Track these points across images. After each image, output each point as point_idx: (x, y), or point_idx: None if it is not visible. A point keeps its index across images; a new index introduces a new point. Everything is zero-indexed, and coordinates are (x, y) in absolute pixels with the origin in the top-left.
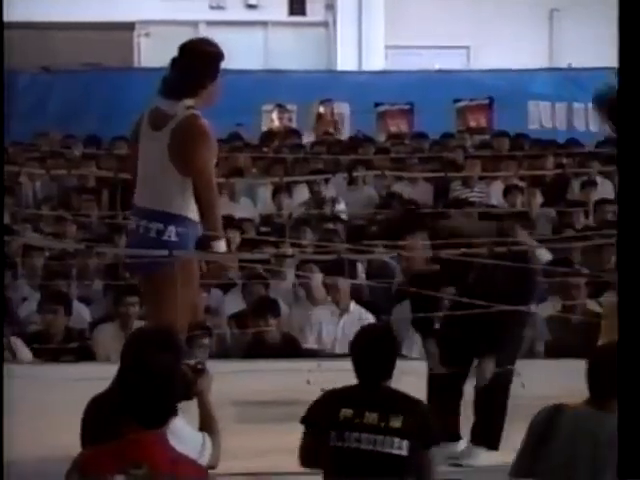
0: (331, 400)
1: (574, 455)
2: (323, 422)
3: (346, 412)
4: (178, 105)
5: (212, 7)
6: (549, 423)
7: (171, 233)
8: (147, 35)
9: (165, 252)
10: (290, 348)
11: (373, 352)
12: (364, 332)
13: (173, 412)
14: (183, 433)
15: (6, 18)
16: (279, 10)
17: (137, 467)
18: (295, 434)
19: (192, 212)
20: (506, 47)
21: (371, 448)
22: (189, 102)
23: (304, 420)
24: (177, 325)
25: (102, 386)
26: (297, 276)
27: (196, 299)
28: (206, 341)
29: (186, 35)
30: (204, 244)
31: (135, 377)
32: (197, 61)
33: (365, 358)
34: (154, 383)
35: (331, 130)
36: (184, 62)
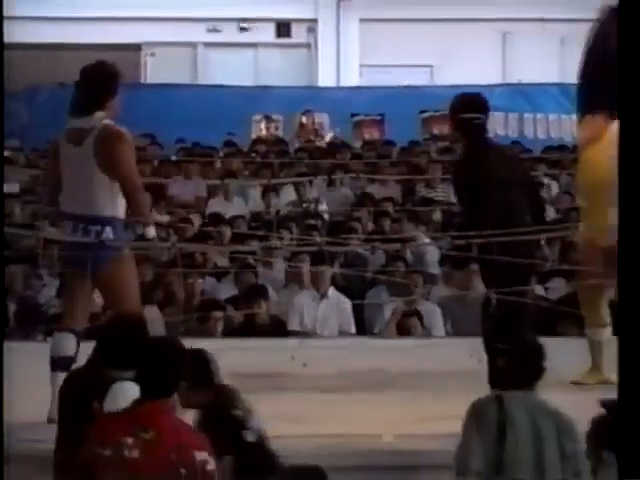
0: None
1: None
2: None
3: None
4: (92, 119)
5: (209, 30)
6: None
7: (109, 233)
8: (152, 55)
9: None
10: (277, 329)
11: None
12: None
13: (175, 387)
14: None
15: (25, 40)
16: (267, 33)
17: (145, 431)
18: (281, 402)
19: (121, 212)
20: (465, 65)
21: None
22: (100, 114)
23: None
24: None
25: None
26: (289, 266)
27: (135, 285)
28: (220, 314)
29: (187, 55)
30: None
31: (141, 355)
32: (99, 80)
33: None
34: (158, 360)
35: (312, 138)
36: (88, 83)
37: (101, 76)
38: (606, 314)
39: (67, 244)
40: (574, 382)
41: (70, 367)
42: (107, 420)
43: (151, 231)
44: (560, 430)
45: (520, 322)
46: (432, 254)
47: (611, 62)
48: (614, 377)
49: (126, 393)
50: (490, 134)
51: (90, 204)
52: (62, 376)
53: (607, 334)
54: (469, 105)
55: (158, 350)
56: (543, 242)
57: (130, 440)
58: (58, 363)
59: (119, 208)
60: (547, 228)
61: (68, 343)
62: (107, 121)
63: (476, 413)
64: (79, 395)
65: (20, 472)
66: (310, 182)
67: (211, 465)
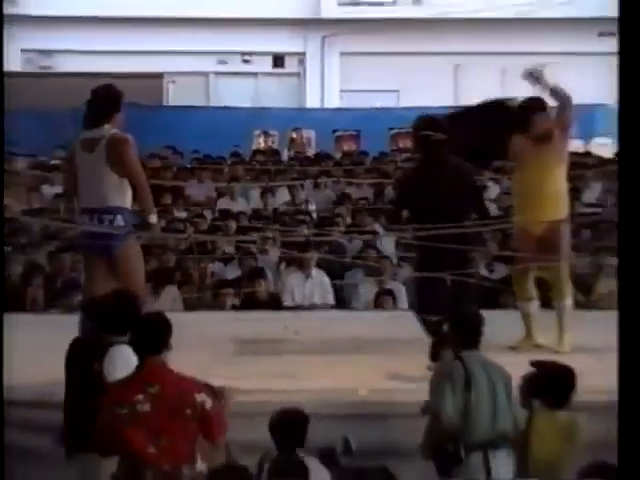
0: None
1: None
2: None
3: None
4: (102, 130)
5: (219, 62)
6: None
7: (120, 221)
8: (173, 82)
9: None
10: (273, 303)
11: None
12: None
13: (167, 347)
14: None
15: (70, 69)
16: (265, 64)
17: (151, 386)
18: (277, 362)
19: (128, 203)
20: (425, 91)
21: None
22: (108, 126)
23: None
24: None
25: None
26: (282, 252)
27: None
28: (227, 291)
29: (201, 82)
30: (142, 219)
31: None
32: (107, 99)
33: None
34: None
35: (301, 150)
36: (99, 101)
37: (108, 96)
38: (532, 290)
39: (85, 233)
40: (511, 347)
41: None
42: (119, 385)
43: (153, 217)
44: (505, 382)
45: (462, 296)
46: (388, 243)
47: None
48: (542, 341)
49: (121, 355)
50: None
51: (102, 198)
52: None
53: (534, 307)
54: (427, 124)
55: (148, 318)
56: (489, 236)
57: (141, 396)
58: None
59: (126, 200)
60: (490, 222)
61: None
62: (114, 130)
63: (446, 371)
64: (82, 357)
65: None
66: (301, 185)
67: (209, 404)
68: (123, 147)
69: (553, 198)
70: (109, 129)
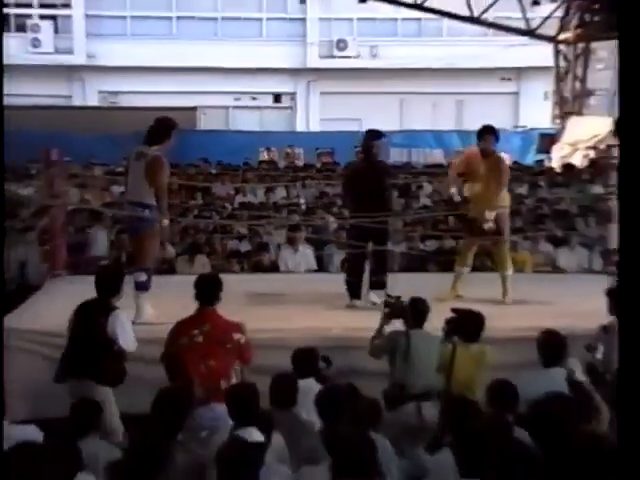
0: None
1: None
2: None
3: None
4: (150, 149)
5: (235, 99)
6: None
7: (147, 213)
8: (204, 114)
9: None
10: (274, 269)
11: None
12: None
13: (218, 299)
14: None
15: (125, 104)
16: (268, 100)
17: (204, 325)
18: (278, 309)
19: (154, 203)
20: (379, 119)
21: None
22: (155, 148)
23: None
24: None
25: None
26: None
27: (157, 247)
28: (241, 260)
29: (223, 113)
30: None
31: None
32: (162, 127)
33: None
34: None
35: (293, 161)
36: (156, 128)
37: (165, 125)
38: (470, 260)
39: (127, 217)
40: (438, 299)
41: (147, 289)
42: (182, 324)
43: (166, 222)
44: (437, 343)
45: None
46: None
47: None
48: (461, 293)
49: (121, 316)
50: (391, 157)
51: (139, 196)
52: (143, 295)
53: (466, 271)
54: (369, 136)
55: (205, 276)
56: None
57: (197, 332)
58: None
59: (153, 200)
60: (420, 211)
61: (142, 275)
62: (157, 152)
63: (395, 342)
64: (89, 316)
65: None
66: (294, 185)
67: (243, 339)
68: (156, 166)
69: (497, 195)
70: (155, 150)
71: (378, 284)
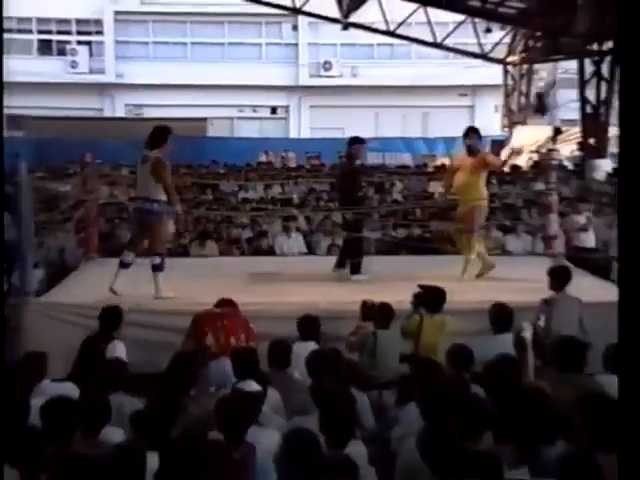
0: None
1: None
2: None
3: None
4: (152, 153)
5: (239, 111)
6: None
7: (156, 206)
8: (213, 124)
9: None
10: (271, 252)
11: None
12: None
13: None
14: None
15: (147, 116)
16: (266, 112)
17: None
18: (275, 286)
19: (163, 197)
20: (359, 128)
21: None
22: (156, 151)
23: None
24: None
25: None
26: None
27: (168, 235)
28: (244, 245)
29: (228, 123)
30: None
31: None
32: (159, 134)
33: None
34: None
35: (287, 163)
36: (154, 134)
37: (161, 132)
38: (467, 247)
39: (138, 210)
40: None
41: (128, 267)
42: (203, 313)
43: (179, 208)
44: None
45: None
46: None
47: None
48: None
49: (117, 346)
50: (368, 160)
51: (147, 192)
52: (123, 271)
53: (474, 255)
54: (351, 141)
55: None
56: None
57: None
58: (123, 264)
59: (162, 195)
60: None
61: (156, 259)
62: (158, 154)
63: (365, 340)
64: (93, 344)
65: None
66: (288, 183)
67: (252, 328)
68: (160, 166)
69: (473, 190)
70: (156, 153)
71: (355, 266)
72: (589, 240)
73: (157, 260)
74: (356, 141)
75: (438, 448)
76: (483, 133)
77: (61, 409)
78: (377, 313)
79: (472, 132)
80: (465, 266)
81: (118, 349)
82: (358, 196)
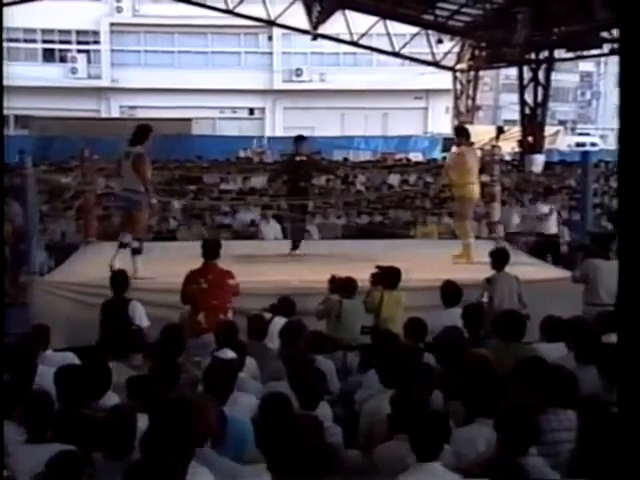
0: None
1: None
2: None
3: None
4: (134, 149)
5: (220, 112)
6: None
7: (136, 196)
8: (197, 123)
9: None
10: (251, 237)
11: None
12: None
13: (218, 256)
14: None
15: (140, 116)
16: (245, 113)
17: (209, 275)
18: (258, 267)
19: (142, 189)
20: (327, 128)
21: None
22: (139, 147)
23: None
24: (143, 228)
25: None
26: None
27: (145, 221)
28: (228, 232)
29: (211, 123)
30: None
31: None
32: (141, 132)
33: None
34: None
35: (263, 158)
36: (137, 132)
37: (142, 130)
38: (468, 231)
39: (121, 198)
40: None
41: (125, 248)
42: (193, 274)
43: (154, 200)
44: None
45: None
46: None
47: None
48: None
49: (137, 306)
50: (334, 156)
51: (129, 183)
52: (122, 251)
53: (472, 240)
54: (295, 139)
55: (209, 239)
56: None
57: (203, 280)
58: (122, 245)
59: (141, 187)
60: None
61: (135, 243)
62: (140, 150)
63: (331, 306)
64: (115, 305)
65: None
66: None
67: (235, 282)
68: (139, 161)
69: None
70: (138, 149)
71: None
72: (551, 227)
73: (135, 244)
74: (299, 138)
75: (403, 407)
76: (436, 131)
77: (72, 375)
78: (342, 285)
79: (462, 131)
80: (467, 248)
81: (138, 308)
82: (301, 186)
